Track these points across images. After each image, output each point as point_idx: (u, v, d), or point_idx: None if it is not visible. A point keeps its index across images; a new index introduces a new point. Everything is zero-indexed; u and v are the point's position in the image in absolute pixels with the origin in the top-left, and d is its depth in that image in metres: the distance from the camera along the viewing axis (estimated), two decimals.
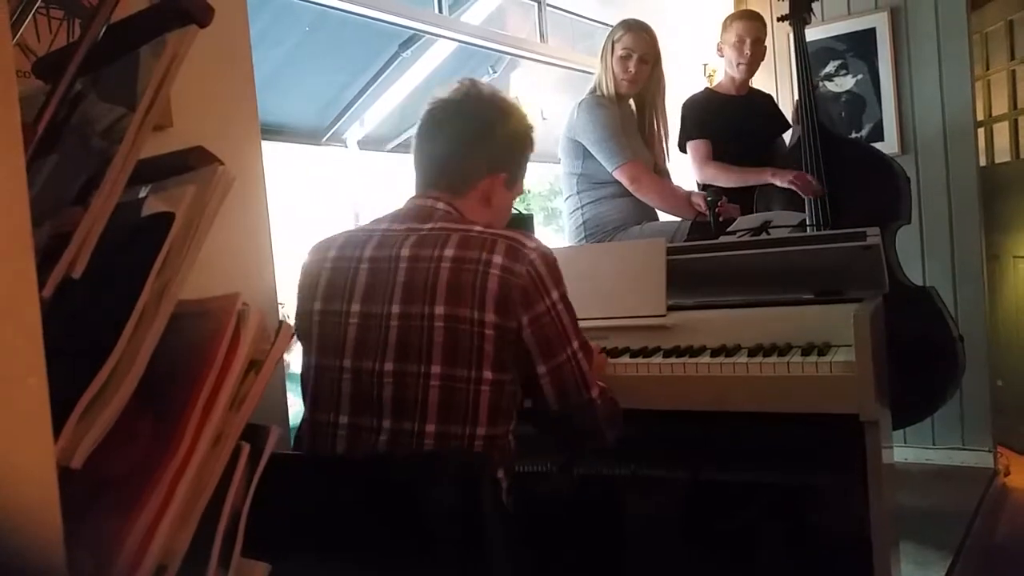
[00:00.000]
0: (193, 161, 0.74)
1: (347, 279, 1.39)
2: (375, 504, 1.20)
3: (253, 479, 0.72)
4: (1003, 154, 3.74)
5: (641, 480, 1.92)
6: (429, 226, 1.40)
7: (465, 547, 1.16)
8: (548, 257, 1.38)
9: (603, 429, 1.49)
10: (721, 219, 2.50)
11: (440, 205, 1.46)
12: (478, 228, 1.39)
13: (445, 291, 1.31)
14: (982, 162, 3.52)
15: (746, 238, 2.16)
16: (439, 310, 1.30)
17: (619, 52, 2.81)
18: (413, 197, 1.51)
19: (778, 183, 2.76)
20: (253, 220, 1.70)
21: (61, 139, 0.75)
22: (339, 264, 1.42)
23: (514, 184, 1.57)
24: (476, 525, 1.18)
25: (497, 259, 1.32)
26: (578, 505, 1.73)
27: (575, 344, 1.40)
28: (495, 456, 1.34)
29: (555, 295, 1.37)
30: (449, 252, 1.34)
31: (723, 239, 2.24)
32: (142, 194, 0.77)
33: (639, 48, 2.79)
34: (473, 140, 1.50)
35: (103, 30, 0.81)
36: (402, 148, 3.69)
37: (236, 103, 1.62)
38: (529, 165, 1.62)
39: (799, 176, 2.74)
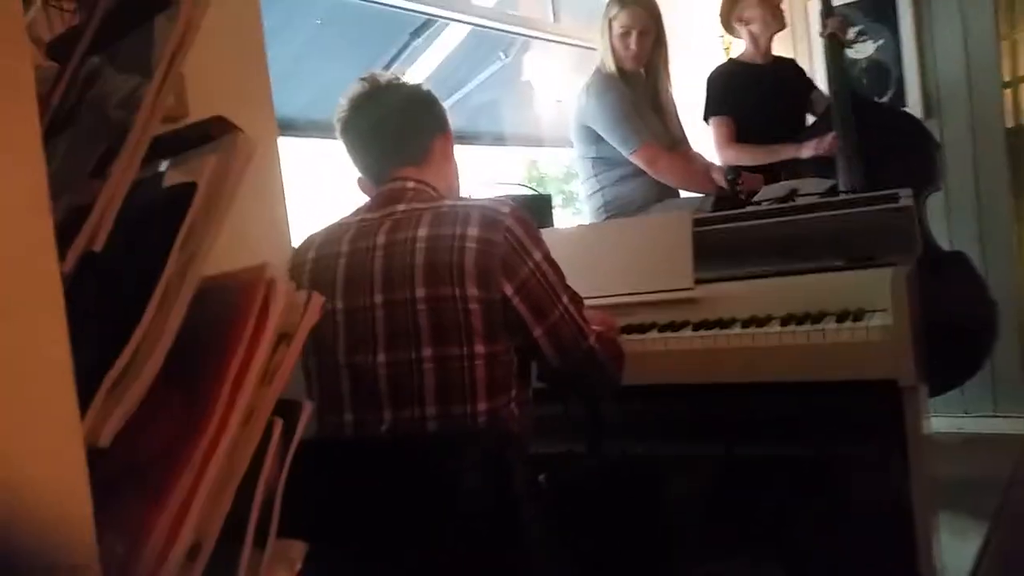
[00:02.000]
0: (213, 131, 0.72)
1: (328, 276, 1.38)
2: (404, 485, 1.18)
3: (287, 456, 0.70)
4: None
5: (674, 457, 1.89)
6: (402, 208, 1.39)
7: (499, 525, 1.15)
8: (524, 220, 1.36)
9: (609, 371, 1.50)
10: (743, 194, 2.46)
11: (409, 184, 1.44)
12: (449, 202, 1.39)
13: (423, 272, 1.29)
14: (1008, 124, 3.44)
15: (773, 206, 2.12)
16: (420, 292, 1.29)
17: (617, 30, 2.74)
18: (381, 182, 1.48)
19: (804, 156, 2.71)
20: (270, 199, 1.69)
21: (78, 115, 0.73)
22: (320, 263, 1.41)
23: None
24: (508, 502, 1.16)
25: (472, 231, 1.30)
26: (609, 484, 1.70)
27: (564, 299, 1.40)
28: (499, 427, 1.33)
29: (538, 256, 1.35)
30: (423, 232, 1.32)
31: (749, 209, 2.20)
32: (161, 169, 0.75)
33: (637, 23, 2.72)
34: (413, 104, 1.52)
35: (111, 5, 0.79)
36: None
37: (250, 85, 1.62)
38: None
39: (820, 143, 2.69)
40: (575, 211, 3.72)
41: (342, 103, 1.51)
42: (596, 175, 2.79)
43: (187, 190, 0.67)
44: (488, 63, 3.60)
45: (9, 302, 0.50)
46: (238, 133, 0.70)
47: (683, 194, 2.85)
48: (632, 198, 2.74)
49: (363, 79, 1.52)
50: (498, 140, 3.46)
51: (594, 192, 2.82)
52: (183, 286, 0.64)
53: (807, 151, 2.71)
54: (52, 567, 0.48)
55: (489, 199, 1.41)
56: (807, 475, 1.83)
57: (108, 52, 0.78)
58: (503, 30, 3.33)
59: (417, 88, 1.56)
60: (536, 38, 3.48)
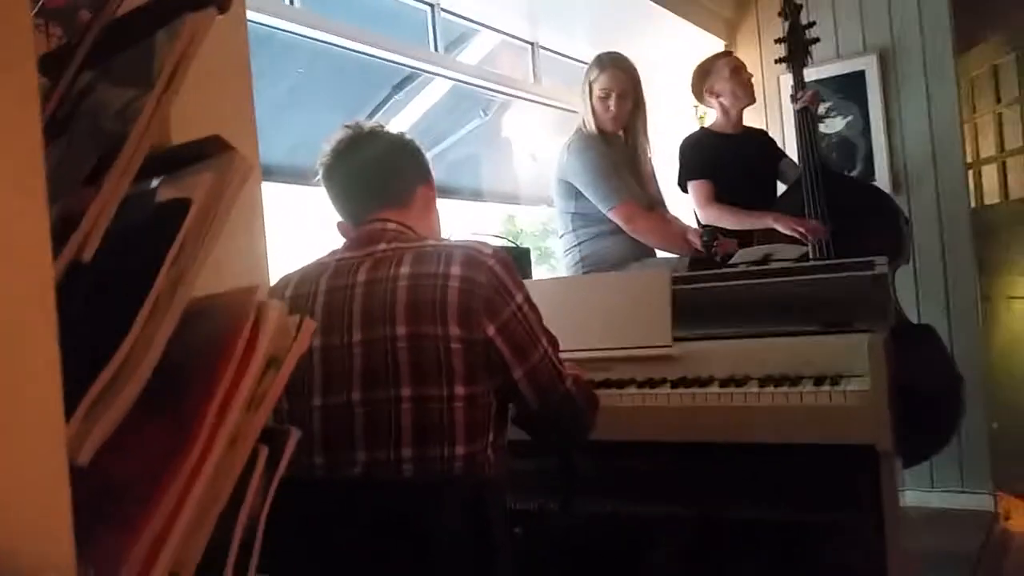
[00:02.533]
0: (208, 149, 0.70)
1: (305, 315, 1.35)
2: (378, 529, 1.14)
3: (271, 486, 0.67)
4: (992, 196, 3.78)
5: (648, 516, 1.86)
6: (383, 247, 1.38)
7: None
8: (506, 261, 1.37)
9: (586, 416, 1.50)
10: (719, 256, 2.48)
11: (391, 225, 1.44)
12: (432, 243, 1.39)
13: (405, 310, 1.28)
14: (971, 204, 3.54)
15: (752, 268, 2.13)
16: (401, 330, 1.28)
17: (597, 92, 2.80)
18: (361, 224, 1.48)
19: (780, 228, 2.75)
20: (250, 237, 1.66)
21: (71, 126, 0.71)
22: (296, 300, 1.39)
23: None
24: (487, 551, 1.13)
25: (455, 271, 1.30)
26: (582, 541, 1.67)
27: (544, 341, 1.39)
28: (476, 472, 1.30)
29: (519, 298, 1.36)
30: (404, 270, 1.32)
31: (727, 269, 2.21)
32: (154, 185, 0.73)
33: (616, 86, 2.79)
34: (397, 150, 1.53)
35: (108, 23, 0.78)
36: None
37: (236, 121, 1.60)
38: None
39: (800, 222, 2.72)
40: (550, 268, 3.73)
41: (325, 148, 1.51)
42: (574, 230, 2.81)
43: (180, 205, 0.66)
44: (468, 119, 3.64)
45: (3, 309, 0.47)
46: (235, 152, 0.69)
47: (659, 254, 2.87)
48: (608, 255, 2.75)
49: (347, 126, 1.52)
50: (476, 195, 3.47)
51: (571, 247, 2.83)
52: (172, 302, 0.61)
53: (784, 227, 2.74)
54: None
55: (470, 241, 1.40)
56: (783, 539, 1.80)
57: (103, 67, 0.77)
58: (485, 87, 3.37)
59: (401, 136, 1.56)
60: (517, 97, 3.53)
